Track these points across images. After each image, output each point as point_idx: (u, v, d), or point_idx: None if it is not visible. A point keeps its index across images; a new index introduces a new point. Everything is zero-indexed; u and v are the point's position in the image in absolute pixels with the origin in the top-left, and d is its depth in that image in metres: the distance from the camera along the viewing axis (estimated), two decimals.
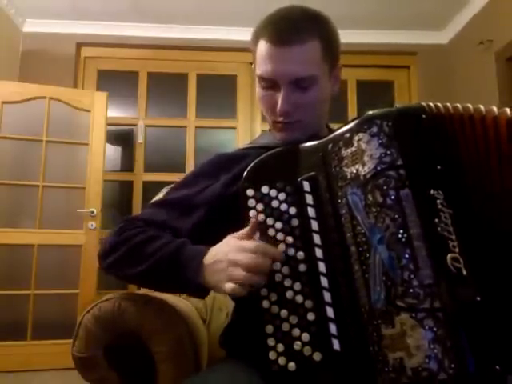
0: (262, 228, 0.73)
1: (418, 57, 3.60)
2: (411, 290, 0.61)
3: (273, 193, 0.74)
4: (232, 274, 0.68)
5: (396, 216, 0.64)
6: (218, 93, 3.67)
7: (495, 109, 0.68)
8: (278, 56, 0.81)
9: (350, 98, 3.61)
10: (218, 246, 0.75)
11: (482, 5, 3.08)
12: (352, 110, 3.58)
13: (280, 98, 0.83)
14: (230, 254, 0.70)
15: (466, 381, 0.58)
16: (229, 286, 0.68)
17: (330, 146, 0.74)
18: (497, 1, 2.94)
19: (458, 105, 0.70)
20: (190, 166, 3.45)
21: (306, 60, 0.81)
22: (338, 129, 0.75)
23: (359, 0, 3.16)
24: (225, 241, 0.74)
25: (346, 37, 3.76)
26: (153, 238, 0.80)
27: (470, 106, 0.69)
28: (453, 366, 0.57)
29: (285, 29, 0.81)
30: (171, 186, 1.00)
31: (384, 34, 3.53)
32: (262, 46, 0.83)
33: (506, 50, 2.83)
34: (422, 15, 3.32)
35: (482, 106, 0.69)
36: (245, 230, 0.72)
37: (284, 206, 0.74)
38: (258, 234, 0.73)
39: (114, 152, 3.81)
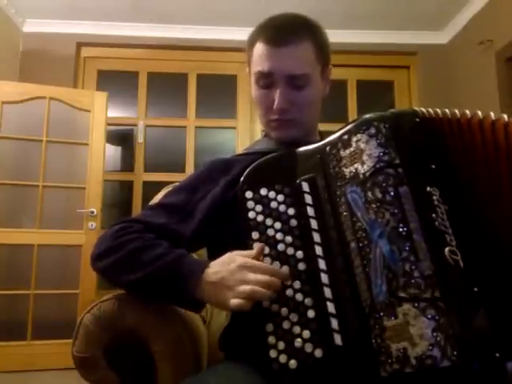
0: (264, 243, 0.72)
1: (417, 57, 3.60)
2: (413, 281, 0.63)
3: (271, 194, 0.76)
4: (240, 290, 0.67)
5: (396, 211, 0.67)
6: (218, 93, 3.67)
7: (479, 113, 0.72)
8: (275, 54, 0.86)
9: (349, 98, 3.61)
10: (220, 261, 0.73)
11: (481, 5, 3.08)
12: (352, 110, 3.58)
13: (277, 95, 0.87)
14: (239, 272, 0.69)
15: (468, 368, 0.59)
16: (234, 301, 0.67)
17: (327, 148, 0.76)
18: (497, 1, 2.95)
19: (447, 110, 0.74)
20: (189, 166, 3.46)
21: (301, 59, 0.87)
22: (333, 133, 0.78)
23: (359, 0, 3.16)
24: (228, 257, 0.73)
25: (347, 37, 3.76)
26: (150, 246, 0.79)
27: (456, 111, 0.73)
28: (455, 353, 0.59)
29: (280, 31, 0.87)
30: (171, 186, 0.99)
31: (384, 33, 3.53)
32: (259, 48, 0.88)
33: (506, 49, 2.83)
34: (422, 15, 3.32)
35: (467, 111, 0.72)
36: (251, 252, 0.71)
37: (283, 207, 0.75)
38: (263, 259, 0.72)
39: (114, 152, 3.82)
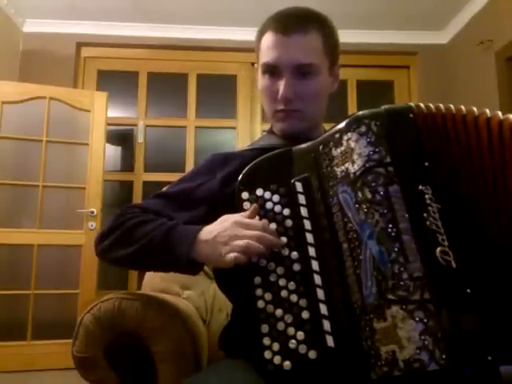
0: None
1: (418, 57, 3.60)
2: (401, 283, 0.62)
3: (267, 195, 0.76)
4: (234, 244, 0.70)
5: (385, 211, 0.65)
6: (218, 93, 3.67)
7: (487, 111, 0.70)
8: (282, 43, 0.87)
9: (349, 98, 3.61)
10: (214, 223, 0.77)
11: (482, 5, 3.08)
12: (352, 110, 3.58)
13: (282, 84, 0.87)
14: (232, 228, 0.72)
15: (458, 371, 0.58)
16: (230, 256, 0.70)
17: (320, 147, 0.76)
18: (497, 1, 2.94)
19: (451, 105, 0.72)
20: (190, 166, 3.45)
21: (308, 48, 0.87)
22: (328, 130, 0.78)
23: (359, 0, 3.16)
24: (223, 218, 0.76)
25: (347, 37, 3.77)
26: (147, 221, 0.81)
27: (462, 107, 0.71)
28: (444, 356, 0.58)
29: (289, 20, 0.88)
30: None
31: (384, 33, 3.53)
32: (267, 38, 0.90)
33: (506, 49, 2.83)
34: (421, 15, 3.32)
35: (474, 108, 0.70)
36: (245, 213, 0.74)
37: (278, 208, 0.75)
38: (257, 218, 0.74)
39: (114, 152, 3.81)
